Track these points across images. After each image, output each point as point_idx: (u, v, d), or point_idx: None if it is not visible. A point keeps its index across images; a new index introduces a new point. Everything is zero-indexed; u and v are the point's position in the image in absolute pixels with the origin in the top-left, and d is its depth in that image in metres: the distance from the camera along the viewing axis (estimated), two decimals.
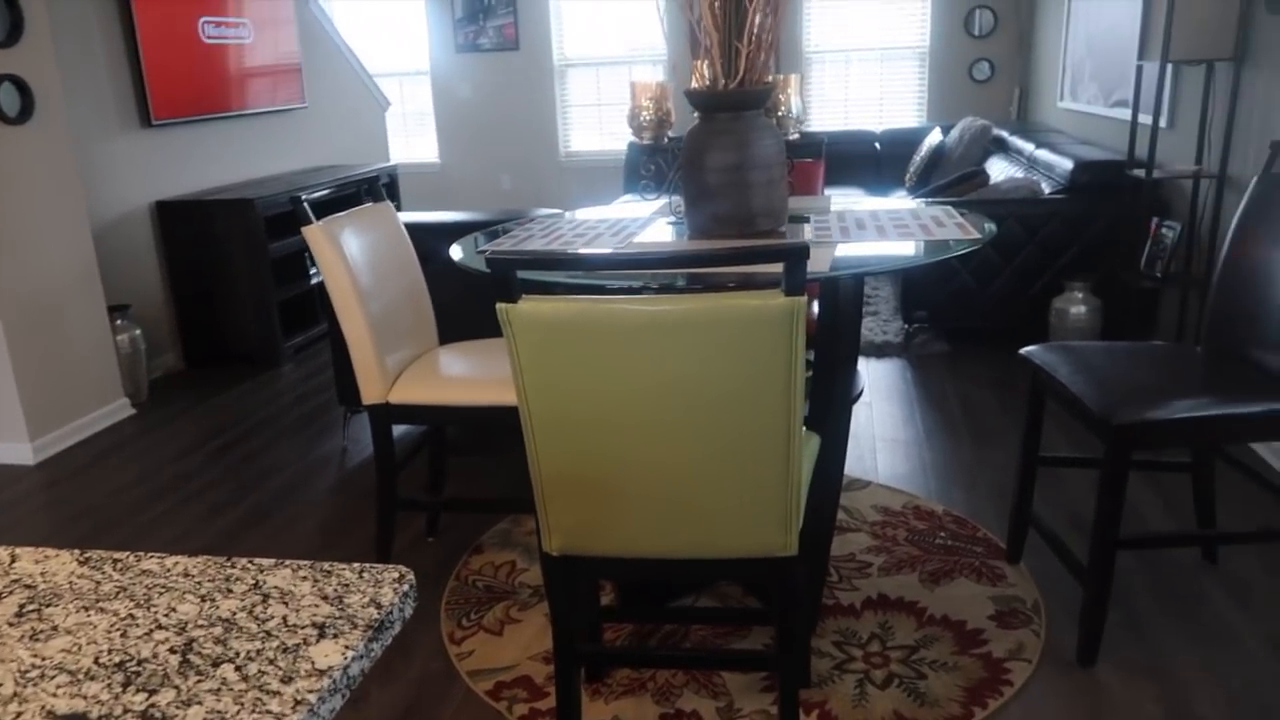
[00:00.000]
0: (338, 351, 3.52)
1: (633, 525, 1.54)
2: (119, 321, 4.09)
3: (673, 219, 2.58)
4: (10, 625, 0.79)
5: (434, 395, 2.37)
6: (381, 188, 2.72)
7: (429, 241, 3.04)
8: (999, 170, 5.08)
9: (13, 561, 0.90)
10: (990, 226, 2.22)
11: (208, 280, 4.62)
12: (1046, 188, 4.31)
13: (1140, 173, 3.66)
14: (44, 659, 0.74)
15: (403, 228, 2.66)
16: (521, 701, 2.07)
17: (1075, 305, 4.02)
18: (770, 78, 2.26)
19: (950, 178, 4.75)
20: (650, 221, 2.55)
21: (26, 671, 0.73)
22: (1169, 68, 3.71)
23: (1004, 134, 5.58)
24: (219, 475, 3.41)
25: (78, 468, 3.53)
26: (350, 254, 2.33)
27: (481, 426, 3.64)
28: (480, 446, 3.52)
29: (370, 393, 2.36)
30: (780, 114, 2.43)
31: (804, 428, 1.56)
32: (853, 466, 3.15)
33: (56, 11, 3.92)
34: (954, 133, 5.85)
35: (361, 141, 6.48)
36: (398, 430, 3.14)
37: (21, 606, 0.82)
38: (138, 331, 4.18)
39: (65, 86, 3.86)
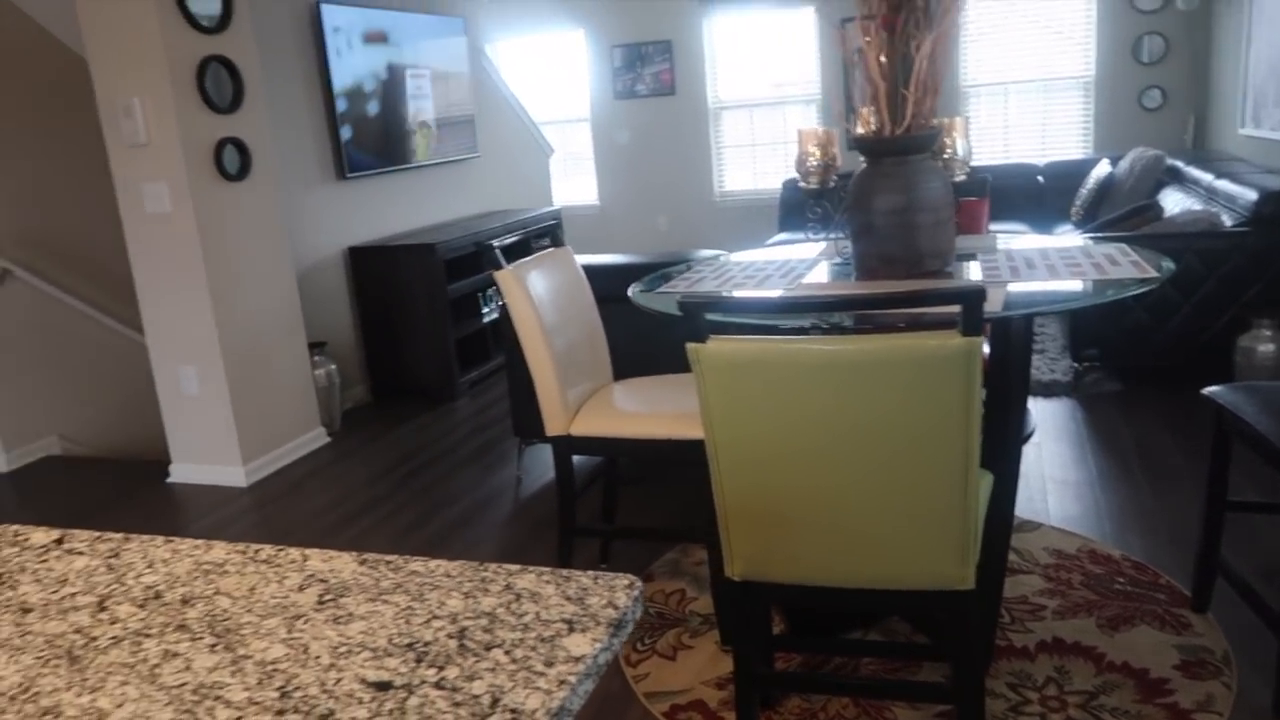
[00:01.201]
0: (515, 386, 3.75)
1: (813, 554, 1.62)
2: (317, 357, 4.48)
3: (838, 260, 2.66)
4: (315, 611, 0.96)
5: (612, 428, 2.52)
6: (561, 234, 2.92)
7: (597, 283, 3.22)
8: (1174, 202, 4.88)
9: (305, 560, 1.08)
10: (1168, 264, 2.19)
11: (392, 319, 4.99)
12: (1228, 220, 4.12)
13: None
14: (348, 638, 0.90)
15: (581, 270, 2.84)
16: None
17: (1263, 343, 3.81)
18: (936, 121, 2.32)
19: (1121, 211, 4.60)
20: (816, 263, 2.64)
21: (337, 648, 0.88)
22: None
23: (1179, 164, 5.35)
24: (405, 501, 3.68)
25: (282, 491, 3.89)
26: (536, 295, 2.52)
27: (652, 459, 3.78)
28: (649, 478, 3.66)
29: (554, 425, 2.53)
30: (946, 156, 2.48)
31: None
32: (1023, 508, 3.10)
33: (268, 79, 4.39)
34: (1123, 164, 5.65)
35: (528, 187, 6.84)
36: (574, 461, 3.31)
37: (321, 596, 0.99)
38: (333, 366, 4.56)
39: (275, 146, 4.31)
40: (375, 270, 5.00)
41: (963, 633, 1.65)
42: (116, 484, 4.15)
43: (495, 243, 2.58)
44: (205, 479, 4.00)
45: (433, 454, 4.17)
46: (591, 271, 3.13)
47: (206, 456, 3.99)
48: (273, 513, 3.67)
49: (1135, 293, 1.98)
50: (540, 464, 3.90)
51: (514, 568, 1.01)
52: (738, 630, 1.75)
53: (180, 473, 4.05)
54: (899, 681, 2.23)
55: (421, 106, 5.54)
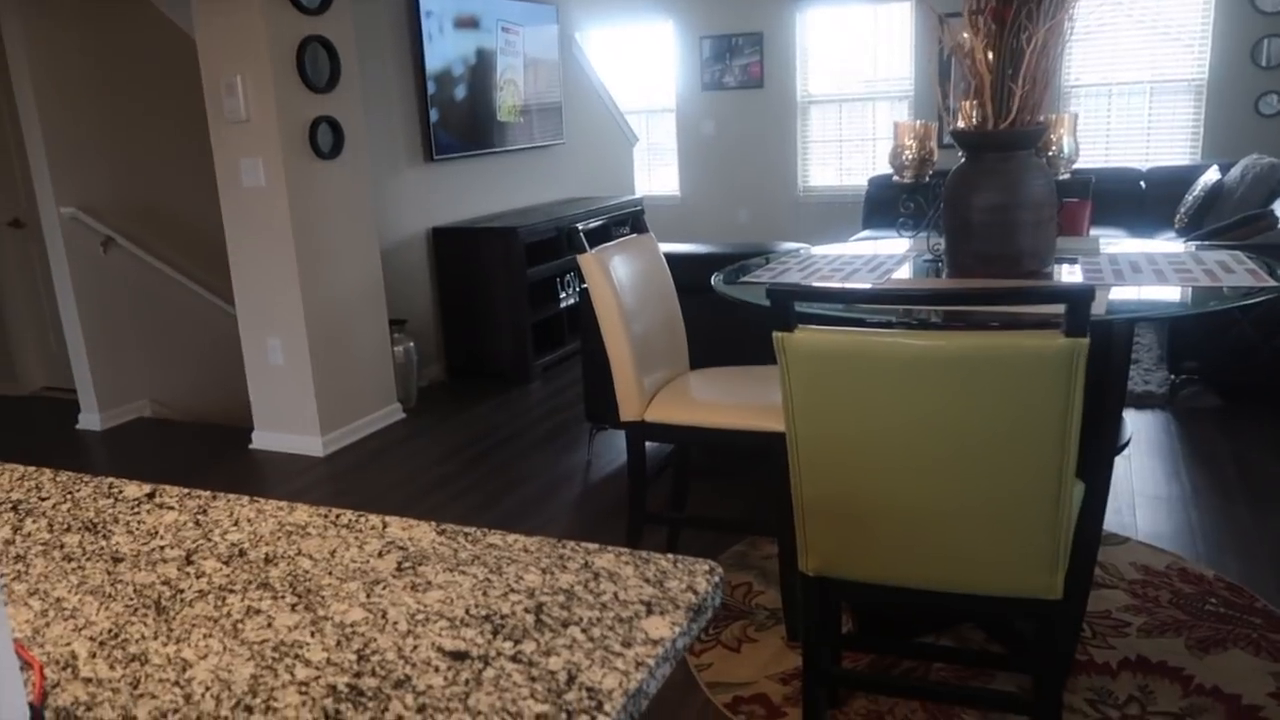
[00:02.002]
0: (589, 371, 3.76)
1: (894, 555, 1.58)
2: (397, 334, 4.56)
3: (928, 257, 2.58)
4: (394, 577, 0.96)
5: (686, 416, 2.49)
6: (644, 220, 2.90)
7: (677, 272, 3.20)
8: None
9: (385, 527, 1.08)
10: None
11: (471, 300, 5.05)
12: None
13: None
14: (426, 606, 0.90)
15: (662, 258, 2.82)
16: (759, 718, 2.13)
17: None
18: (1042, 117, 2.23)
19: (1230, 220, 4.39)
20: (905, 259, 2.57)
21: (415, 614, 0.88)
22: None
23: None
24: (476, 479, 3.71)
25: (357, 462, 3.97)
26: (618, 280, 2.51)
27: (724, 450, 3.75)
28: (719, 470, 3.63)
29: (629, 410, 2.52)
30: (1051, 153, 2.38)
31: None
32: (1109, 521, 2.98)
33: (364, 61, 4.46)
34: (1234, 171, 5.39)
35: (611, 175, 6.85)
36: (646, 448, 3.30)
37: (400, 563, 0.99)
38: (412, 344, 4.63)
39: (367, 126, 4.38)
40: (457, 251, 5.06)
41: (1048, 643, 1.58)
42: (202, 448, 4.29)
43: (578, 227, 2.58)
44: (285, 447, 4.11)
45: (505, 435, 4.21)
46: (672, 260, 3.10)
47: (288, 425, 4.09)
48: (348, 483, 3.75)
49: (1256, 301, 1.88)
50: (610, 450, 3.90)
51: (592, 546, 1.00)
52: (809, 626, 1.72)
53: (262, 440, 4.17)
54: (973, 688, 2.16)
55: (510, 92, 5.58)
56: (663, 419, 2.51)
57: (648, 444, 3.54)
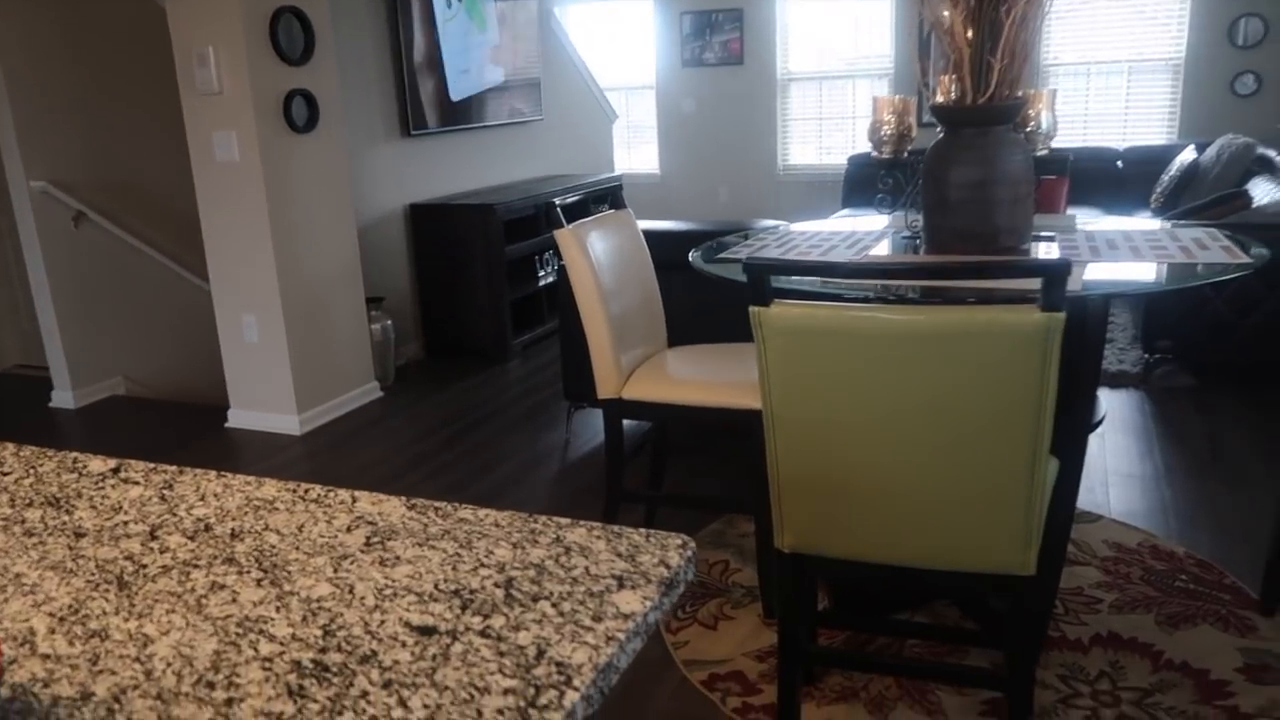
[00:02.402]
0: (568, 350, 3.74)
1: (868, 530, 1.58)
2: (374, 312, 4.51)
3: (905, 233, 2.58)
4: (362, 552, 0.94)
5: (664, 394, 2.48)
6: (621, 198, 2.88)
7: (655, 249, 3.18)
8: (1263, 192, 4.66)
9: (354, 501, 1.06)
10: (1260, 251, 2.08)
11: (449, 277, 5.01)
12: None
13: None
14: (394, 581, 0.88)
15: (640, 234, 2.80)
16: (735, 695, 2.14)
17: None
18: (1021, 92, 2.22)
19: (1206, 199, 4.42)
20: (883, 236, 2.56)
21: (382, 589, 0.87)
22: None
23: (1270, 153, 5.11)
24: (453, 458, 3.70)
25: (334, 441, 3.94)
26: (595, 257, 2.49)
27: (702, 428, 3.75)
28: (696, 447, 3.62)
29: (606, 388, 2.51)
30: (1029, 129, 2.38)
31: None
32: (1083, 499, 3.01)
33: (340, 34, 4.39)
34: (1210, 151, 5.42)
35: (590, 152, 6.80)
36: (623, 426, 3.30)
37: (368, 538, 0.97)
38: (389, 322, 4.59)
39: (343, 100, 4.32)
40: (435, 228, 5.01)
41: (1019, 619, 1.59)
42: (177, 426, 4.24)
43: (556, 202, 2.55)
44: (262, 425, 4.07)
45: (483, 413, 4.19)
46: (651, 237, 3.08)
47: (264, 404, 4.06)
48: (325, 462, 3.72)
49: (1231, 276, 1.89)
50: (589, 429, 3.89)
51: (564, 521, 0.99)
52: (784, 603, 1.72)
53: (238, 418, 4.13)
54: (946, 664, 2.18)
55: (488, 67, 5.51)
56: (640, 396, 2.50)
57: (626, 422, 3.54)
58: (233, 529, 1.01)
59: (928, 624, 2.39)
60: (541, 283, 5.27)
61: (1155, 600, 2.44)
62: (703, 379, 2.51)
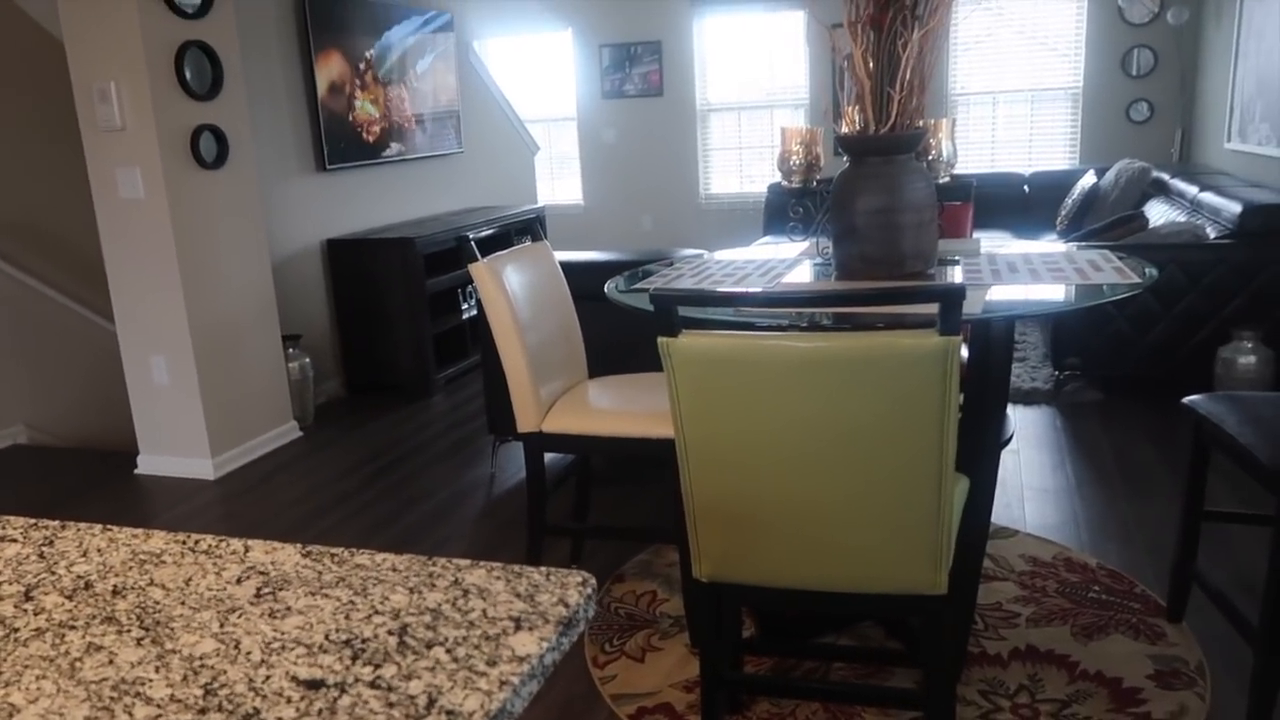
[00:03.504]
0: (490, 383, 3.70)
1: (782, 556, 1.58)
2: (291, 350, 4.41)
3: (819, 260, 2.62)
4: (251, 604, 0.91)
5: (585, 426, 2.47)
6: (540, 228, 2.88)
7: (576, 280, 3.18)
8: (1159, 214, 4.88)
9: (247, 551, 1.03)
10: (1151, 271, 2.16)
11: (369, 313, 4.93)
12: (1212, 232, 4.12)
13: None
14: (283, 633, 0.85)
15: (558, 266, 2.80)
16: None
17: (1244, 355, 3.81)
18: (921, 122, 2.29)
19: (1105, 221, 4.60)
20: (797, 263, 2.60)
21: (270, 643, 0.84)
22: None
23: (1164, 176, 5.36)
24: (376, 496, 3.62)
25: (250, 485, 3.82)
26: (511, 290, 2.47)
27: (625, 458, 3.74)
28: (622, 478, 3.61)
29: (525, 421, 2.49)
30: (931, 158, 2.45)
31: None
32: (999, 515, 3.08)
33: (249, 68, 4.32)
34: (1109, 175, 5.66)
35: (512, 184, 6.79)
36: (546, 459, 3.27)
37: (259, 589, 0.94)
38: (307, 360, 4.49)
39: (254, 135, 4.24)
40: (353, 263, 4.93)
41: (935, 638, 1.61)
42: (83, 475, 4.07)
43: (472, 236, 2.53)
44: (173, 471, 3.93)
45: (406, 450, 4.11)
46: (570, 269, 3.08)
47: (175, 448, 3.92)
48: (240, 506, 3.60)
49: (1119, 297, 1.96)
50: (515, 462, 3.85)
51: (464, 562, 0.96)
52: (704, 632, 1.71)
53: (148, 464, 3.98)
54: (869, 686, 2.19)
55: (405, 101, 5.48)
56: (560, 429, 2.49)
57: (550, 455, 3.51)
58: (115, 585, 0.96)
59: (853, 646, 2.41)
60: (464, 316, 5.23)
61: (1070, 612, 2.50)
62: (623, 409, 2.51)
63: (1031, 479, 3.39)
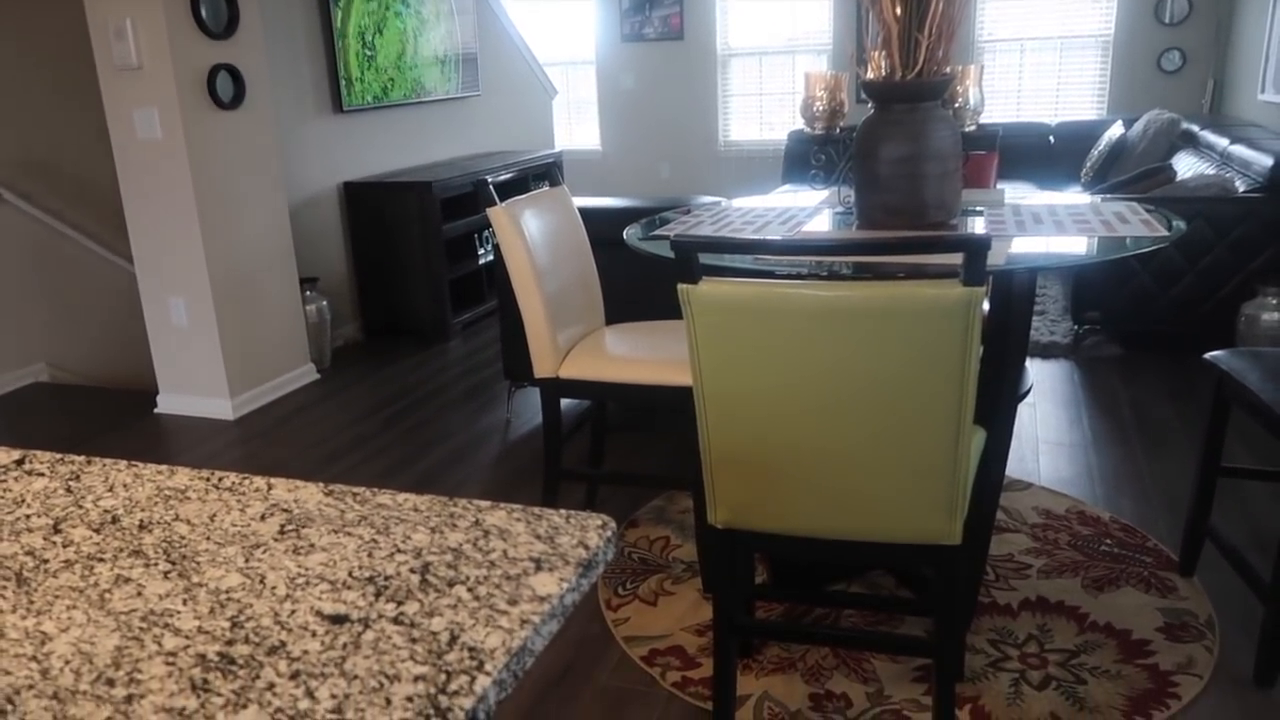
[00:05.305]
0: (507, 328, 3.71)
1: (798, 504, 1.59)
2: (308, 293, 4.43)
3: (840, 209, 2.59)
4: (275, 540, 0.92)
5: (601, 372, 2.48)
6: (558, 173, 2.85)
7: (594, 226, 3.16)
8: (1187, 166, 4.79)
9: (270, 489, 1.04)
10: (1179, 224, 2.13)
11: (386, 257, 4.92)
12: (1241, 186, 4.04)
13: None
14: (307, 569, 0.87)
15: (577, 212, 2.78)
16: (674, 669, 2.15)
17: (1269, 311, 3.77)
18: (949, 69, 2.24)
19: (1132, 173, 4.52)
20: (818, 211, 2.58)
21: (294, 578, 0.85)
22: None
23: (1194, 128, 5.25)
24: (392, 440, 3.65)
25: (269, 426, 3.86)
26: (530, 235, 2.46)
27: (641, 405, 3.75)
28: (637, 424, 3.63)
29: (543, 367, 2.49)
30: (958, 105, 2.40)
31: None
32: (1014, 467, 3.08)
33: (267, 6, 4.27)
34: (1137, 126, 5.54)
35: (529, 128, 6.72)
36: (561, 405, 3.29)
37: (283, 526, 0.95)
38: (324, 303, 4.51)
39: (271, 75, 4.20)
40: (370, 207, 4.92)
41: (947, 587, 1.63)
42: (103, 413, 4.12)
43: (490, 180, 2.52)
44: (193, 410, 3.97)
45: (422, 394, 4.14)
46: (589, 214, 3.06)
47: (194, 388, 3.96)
48: (259, 447, 3.65)
49: (1145, 250, 1.93)
50: (531, 408, 3.88)
51: (485, 504, 0.97)
52: (718, 578, 1.73)
53: (168, 404, 4.02)
54: (879, 633, 2.22)
55: (423, 41, 5.41)
56: (577, 375, 2.49)
57: (566, 401, 3.53)
58: (141, 520, 0.98)
59: (863, 594, 2.43)
60: (481, 261, 5.22)
61: (1082, 564, 2.51)
62: (640, 356, 2.51)
63: (1047, 433, 3.38)
